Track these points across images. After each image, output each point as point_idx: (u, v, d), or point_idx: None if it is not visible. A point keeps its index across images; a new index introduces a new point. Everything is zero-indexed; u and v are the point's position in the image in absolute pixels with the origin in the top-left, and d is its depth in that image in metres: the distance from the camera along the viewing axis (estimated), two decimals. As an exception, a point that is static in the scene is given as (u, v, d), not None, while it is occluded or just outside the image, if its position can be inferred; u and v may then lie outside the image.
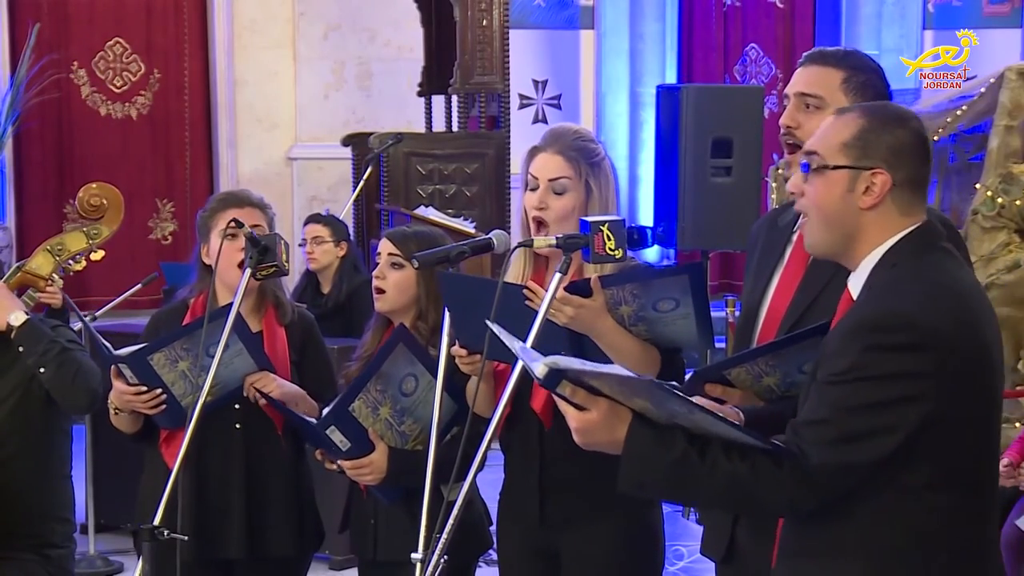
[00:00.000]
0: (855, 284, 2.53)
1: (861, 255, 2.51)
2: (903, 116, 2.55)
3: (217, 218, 3.84)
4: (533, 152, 3.41)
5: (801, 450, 2.36)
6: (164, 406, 3.71)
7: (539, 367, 2.35)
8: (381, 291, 3.74)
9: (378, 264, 3.77)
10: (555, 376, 2.36)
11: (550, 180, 3.35)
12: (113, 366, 3.69)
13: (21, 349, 3.98)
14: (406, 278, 3.71)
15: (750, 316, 3.08)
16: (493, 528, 3.70)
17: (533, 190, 3.38)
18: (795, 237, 3.05)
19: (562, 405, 2.42)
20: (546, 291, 2.97)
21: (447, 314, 3.28)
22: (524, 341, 2.82)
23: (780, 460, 2.36)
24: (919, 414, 2.35)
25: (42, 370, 3.96)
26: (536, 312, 2.91)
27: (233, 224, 3.67)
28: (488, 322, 2.78)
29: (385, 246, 3.75)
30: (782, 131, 3.04)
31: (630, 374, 2.37)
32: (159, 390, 3.69)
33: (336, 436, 3.52)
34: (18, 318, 3.98)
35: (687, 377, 2.86)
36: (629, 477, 2.41)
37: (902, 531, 2.40)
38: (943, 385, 2.36)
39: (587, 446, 2.43)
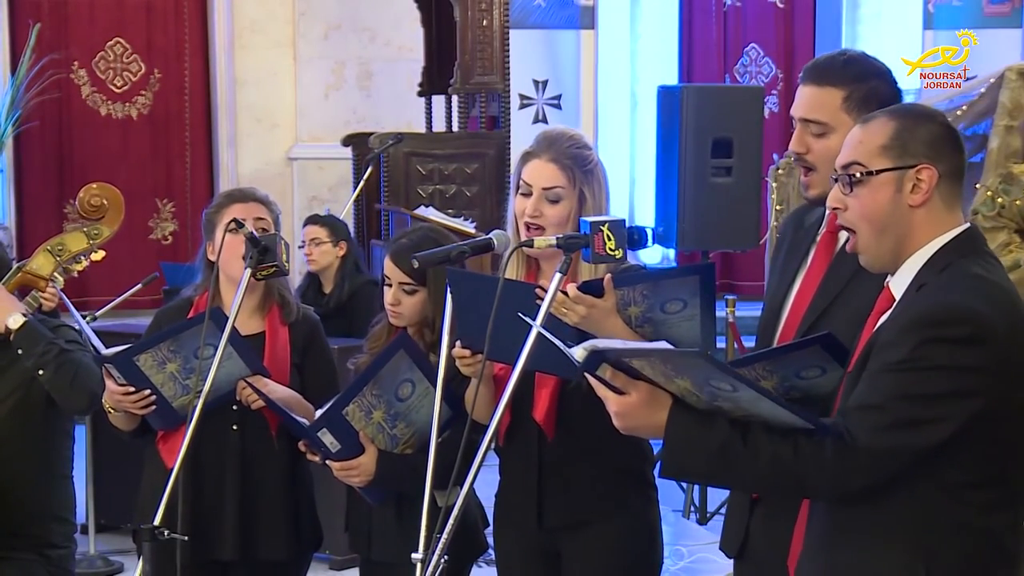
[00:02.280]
0: (898, 284, 2.53)
1: (910, 251, 2.51)
2: (930, 112, 2.57)
3: (223, 214, 3.84)
4: (526, 157, 3.39)
5: (849, 432, 2.37)
6: (154, 407, 3.71)
7: (578, 351, 2.35)
8: (398, 313, 3.71)
9: (388, 286, 3.71)
10: (595, 358, 2.35)
11: (544, 189, 3.34)
12: (104, 366, 3.69)
13: (20, 351, 3.97)
14: (421, 299, 3.69)
15: (772, 316, 3.06)
16: (489, 529, 3.70)
17: (525, 195, 3.36)
18: (819, 238, 3.04)
19: (600, 390, 2.42)
20: (546, 291, 2.96)
21: (447, 316, 3.27)
22: (527, 340, 2.82)
23: (824, 442, 2.36)
24: (971, 409, 2.36)
25: (41, 372, 3.95)
26: (547, 312, 2.90)
27: (233, 224, 3.66)
28: (521, 315, 2.76)
29: (395, 274, 3.67)
30: (793, 157, 3.03)
31: (676, 349, 2.37)
32: (147, 391, 3.69)
33: (327, 438, 3.53)
34: (16, 320, 3.98)
35: None
36: (671, 462, 2.42)
37: (943, 524, 2.41)
38: (996, 381, 2.37)
39: (626, 430, 2.44)
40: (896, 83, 3.02)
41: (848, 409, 2.42)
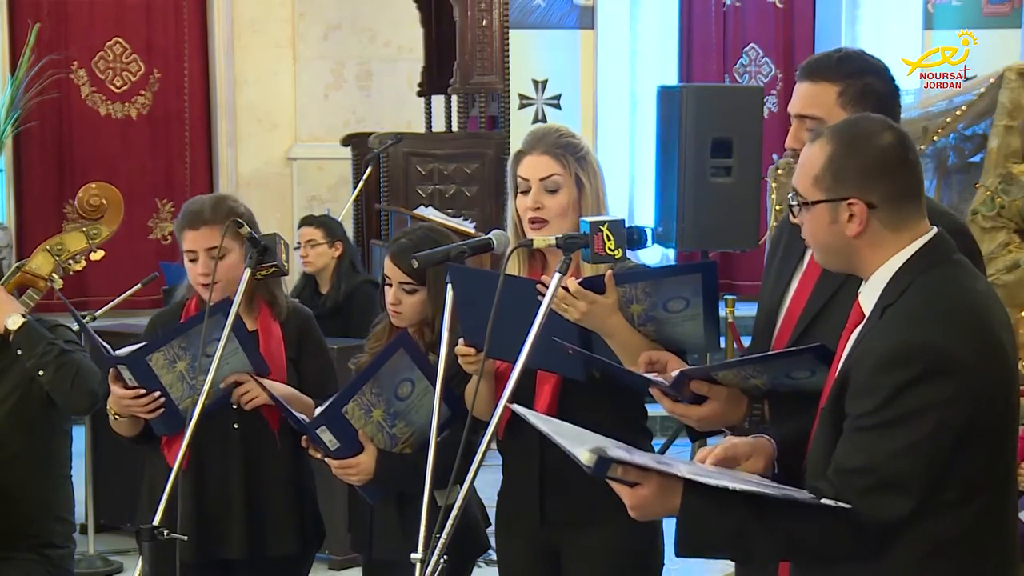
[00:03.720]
0: (867, 297, 2.52)
1: (870, 269, 2.51)
2: (870, 132, 2.51)
3: (181, 237, 3.83)
4: (519, 156, 3.41)
5: (850, 502, 2.36)
6: (162, 409, 3.70)
7: (584, 454, 2.35)
8: (398, 312, 3.72)
9: (388, 286, 3.71)
10: (603, 464, 2.36)
11: (541, 179, 3.35)
12: (111, 369, 3.68)
13: (19, 352, 3.97)
14: (421, 299, 3.70)
15: (771, 318, 3.05)
16: (490, 529, 3.70)
17: (524, 192, 3.37)
18: None
19: (614, 485, 2.42)
20: (547, 287, 2.96)
21: (446, 314, 3.27)
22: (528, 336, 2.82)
23: (836, 513, 2.36)
24: (951, 440, 2.36)
25: (41, 372, 3.95)
26: (548, 308, 2.90)
27: (232, 225, 3.66)
28: (514, 407, 2.74)
29: (395, 273, 3.68)
30: (790, 153, 3.03)
31: (676, 473, 2.37)
32: (157, 392, 3.68)
33: (326, 436, 3.52)
34: (15, 321, 3.97)
35: (674, 374, 2.85)
36: (687, 543, 2.42)
37: (934, 543, 2.40)
38: (967, 405, 2.36)
39: (644, 519, 2.45)
40: (893, 80, 3.01)
41: (840, 472, 2.40)
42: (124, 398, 3.68)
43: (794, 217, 2.55)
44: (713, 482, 2.38)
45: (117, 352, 3.68)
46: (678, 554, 2.45)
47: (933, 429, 2.34)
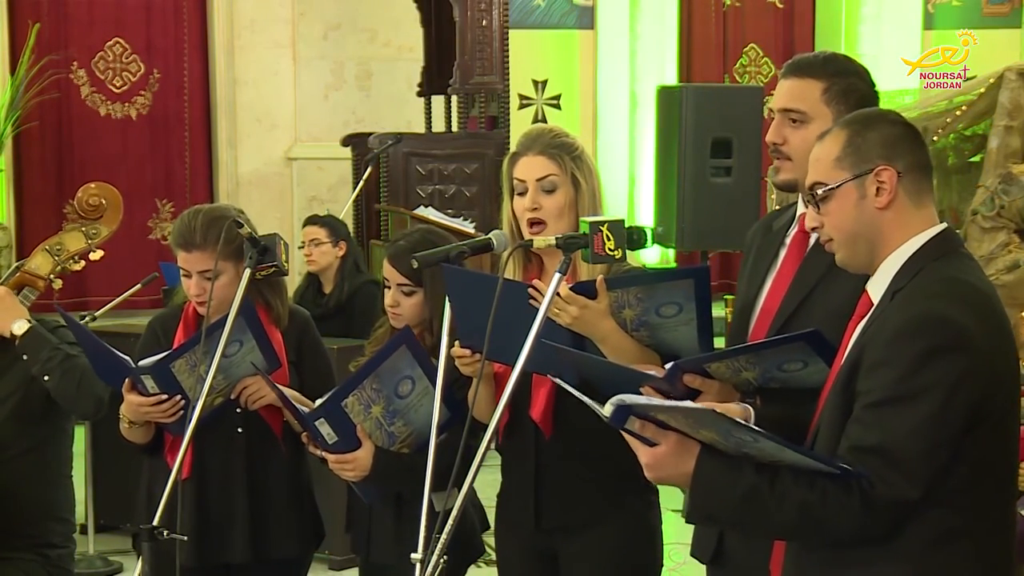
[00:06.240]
0: (875, 287, 2.53)
1: (888, 251, 2.52)
2: (881, 113, 2.60)
3: (175, 252, 3.81)
4: (514, 158, 3.41)
5: (869, 480, 2.35)
6: (182, 412, 3.67)
7: (606, 408, 2.36)
8: (397, 314, 3.73)
9: (387, 288, 3.72)
10: (622, 412, 2.37)
11: (538, 180, 3.35)
12: (127, 379, 3.67)
13: (25, 357, 3.96)
14: (419, 300, 3.70)
15: (744, 316, 3.07)
16: (489, 531, 3.70)
17: (521, 194, 3.37)
18: (788, 240, 3.05)
19: (631, 441, 2.43)
20: (539, 291, 2.96)
21: (447, 314, 3.27)
22: (525, 340, 2.82)
23: (850, 488, 2.35)
24: (963, 418, 2.36)
25: (46, 378, 3.94)
26: (547, 310, 2.90)
27: (233, 225, 3.66)
28: (554, 378, 2.73)
29: (392, 275, 3.69)
30: (770, 147, 3.04)
31: (697, 406, 2.38)
32: (178, 396, 3.67)
33: (324, 429, 3.51)
34: (21, 327, 3.97)
35: (667, 367, 2.85)
36: (698, 508, 2.42)
37: (934, 534, 2.40)
38: (978, 385, 2.37)
39: (658, 481, 2.45)
40: (874, 84, 3.04)
41: (854, 451, 2.39)
42: (143, 405, 3.66)
43: (818, 211, 2.54)
44: (734, 432, 2.34)
45: (141, 363, 3.67)
46: (688, 520, 2.44)
47: (948, 404, 2.34)
